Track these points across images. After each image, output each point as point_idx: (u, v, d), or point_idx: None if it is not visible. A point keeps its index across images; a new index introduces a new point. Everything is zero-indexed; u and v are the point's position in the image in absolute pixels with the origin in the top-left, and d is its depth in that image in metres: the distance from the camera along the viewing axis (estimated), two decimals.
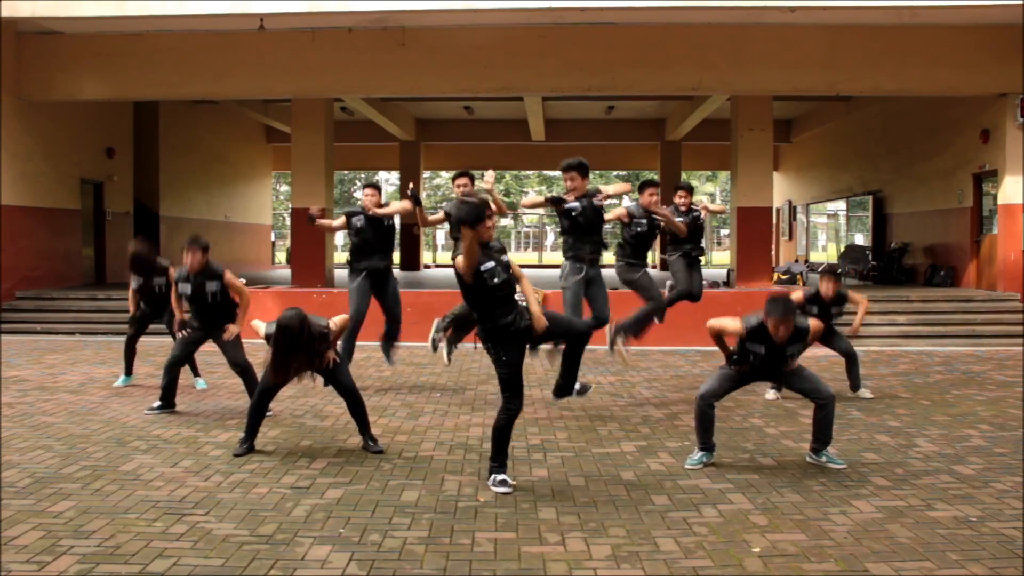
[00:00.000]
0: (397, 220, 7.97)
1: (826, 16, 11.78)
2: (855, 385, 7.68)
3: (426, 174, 30.50)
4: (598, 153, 26.21)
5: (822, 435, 5.30)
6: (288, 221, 24.76)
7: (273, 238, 25.94)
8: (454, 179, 7.72)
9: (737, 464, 5.40)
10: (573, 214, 6.77)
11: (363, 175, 48.19)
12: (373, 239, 7.66)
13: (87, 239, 15.45)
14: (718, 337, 5.40)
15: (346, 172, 43.64)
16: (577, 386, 6.38)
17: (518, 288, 4.99)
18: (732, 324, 5.29)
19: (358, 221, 7.64)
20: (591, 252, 6.89)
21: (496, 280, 4.78)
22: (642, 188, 7.63)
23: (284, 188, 39.93)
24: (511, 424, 4.89)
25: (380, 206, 7.69)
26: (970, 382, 8.47)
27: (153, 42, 12.89)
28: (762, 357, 5.23)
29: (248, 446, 5.66)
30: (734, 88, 13.56)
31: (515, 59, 12.92)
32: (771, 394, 7.53)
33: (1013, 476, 5.10)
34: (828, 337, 7.54)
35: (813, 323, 5.34)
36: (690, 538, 4.09)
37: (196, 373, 8.03)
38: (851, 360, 7.68)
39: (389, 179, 44.46)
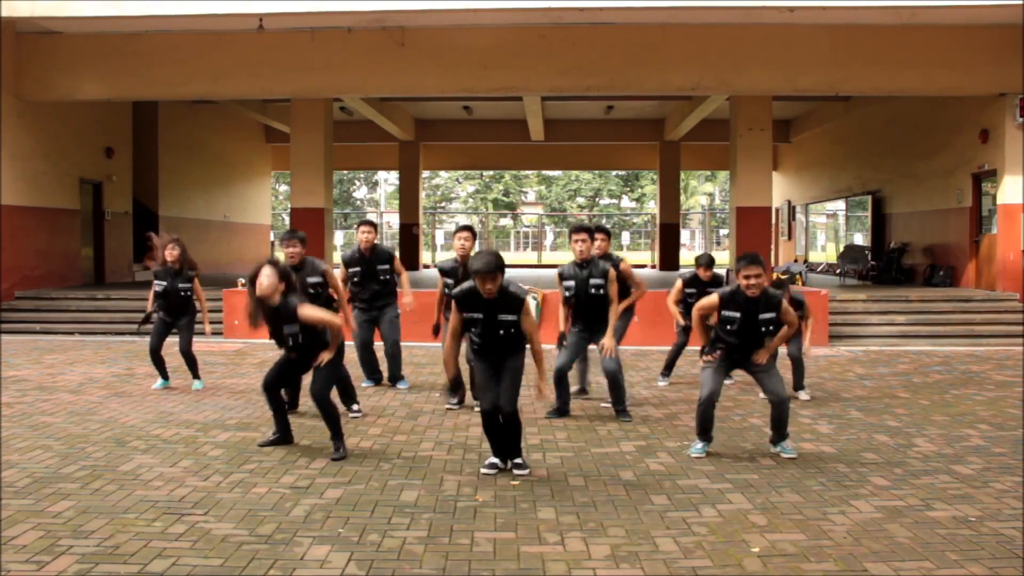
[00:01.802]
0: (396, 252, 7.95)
1: (826, 16, 11.78)
2: (797, 385, 7.62)
3: (425, 174, 30.48)
4: (597, 153, 26.31)
5: (777, 430, 5.58)
6: (287, 221, 24.75)
7: (272, 238, 25.93)
8: (456, 233, 7.69)
9: (736, 464, 5.40)
10: (567, 293, 6.66)
11: (362, 175, 48.26)
12: (369, 288, 7.75)
13: (86, 239, 15.46)
14: (701, 322, 5.58)
15: (345, 172, 43.66)
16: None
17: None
18: (711, 298, 5.53)
19: (355, 276, 7.69)
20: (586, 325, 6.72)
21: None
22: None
23: (283, 188, 39.92)
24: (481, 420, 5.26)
25: (373, 247, 7.72)
26: (969, 382, 8.47)
27: (152, 42, 12.89)
28: (738, 326, 5.37)
29: (340, 448, 5.56)
30: (733, 88, 13.56)
31: (514, 59, 12.92)
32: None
33: (1012, 476, 5.11)
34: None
35: (786, 305, 5.56)
36: (689, 538, 4.09)
37: (196, 376, 8.05)
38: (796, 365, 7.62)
39: (388, 179, 44.48)
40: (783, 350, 6.87)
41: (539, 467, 5.35)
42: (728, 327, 5.43)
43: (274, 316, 5.49)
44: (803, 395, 7.61)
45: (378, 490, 4.84)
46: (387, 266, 7.76)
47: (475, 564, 3.79)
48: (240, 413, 6.91)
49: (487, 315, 5.03)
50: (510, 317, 5.03)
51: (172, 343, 7.98)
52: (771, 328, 5.41)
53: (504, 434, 5.18)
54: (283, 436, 5.81)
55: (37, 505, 4.52)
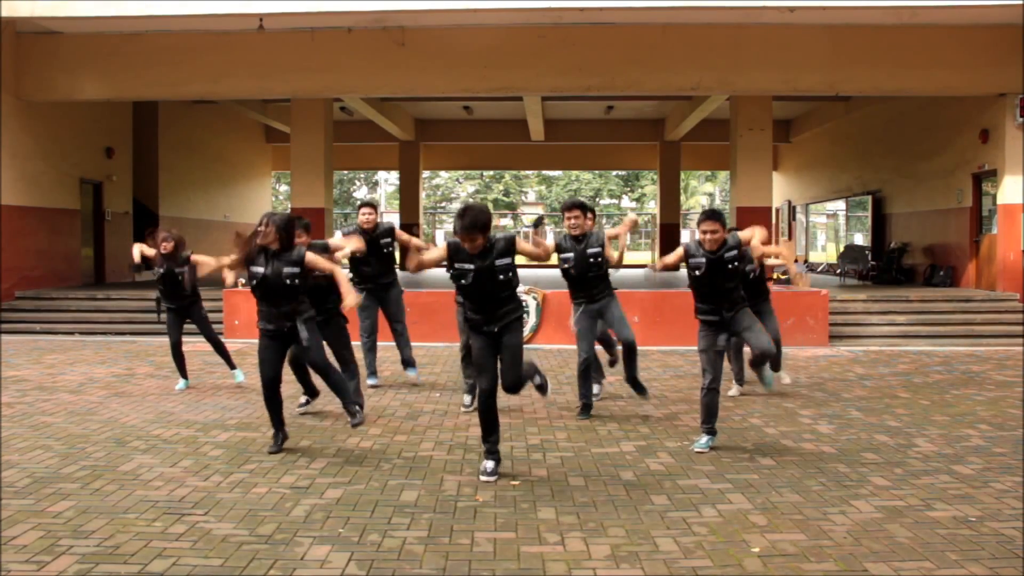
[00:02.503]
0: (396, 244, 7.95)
1: (826, 16, 11.78)
2: (775, 367, 7.55)
3: (425, 174, 30.49)
4: (597, 153, 26.29)
5: (772, 364, 5.97)
6: None
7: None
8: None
9: (736, 464, 5.40)
10: (566, 266, 6.66)
11: (363, 175, 48.24)
12: (374, 263, 7.75)
13: (86, 239, 15.46)
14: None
15: (345, 172, 43.65)
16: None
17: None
18: (677, 250, 5.91)
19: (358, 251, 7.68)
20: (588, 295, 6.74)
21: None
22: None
23: (284, 188, 39.93)
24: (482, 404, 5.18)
25: (376, 226, 7.69)
26: (969, 382, 8.47)
27: (152, 42, 12.89)
28: (705, 269, 5.66)
29: (357, 413, 5.74)
30: (733, 88, 13.56)
31: (514, 59, 12.92)
32: (734, 390, 7.56)
33: (1012, 476, 5.11)
34: (758, 306, 7.26)
35: (743, 234, 5.87)
36: (689, 538, 4.09)
37: (232, 365, 8.11)
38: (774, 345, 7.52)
39: (388, 179, 44.49)
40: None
41: (539, 467, 5.35)
42: (697, 272, 5.70)
43: (273, 259, 5.54)
44: (785, 377, 7.85)
45: (378, 490, 4.84)
46: (389, 239, 7.75)
47: (475, 564, 3.79)
48: (240, 413, 6.91)
49: (480, 266, 4.97)
50: (506, 260, 5.01)
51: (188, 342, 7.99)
52: (737, 264, 5.63)
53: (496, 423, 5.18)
54: (284, 435, 5.79)
55: (37, 505, 4.52)
